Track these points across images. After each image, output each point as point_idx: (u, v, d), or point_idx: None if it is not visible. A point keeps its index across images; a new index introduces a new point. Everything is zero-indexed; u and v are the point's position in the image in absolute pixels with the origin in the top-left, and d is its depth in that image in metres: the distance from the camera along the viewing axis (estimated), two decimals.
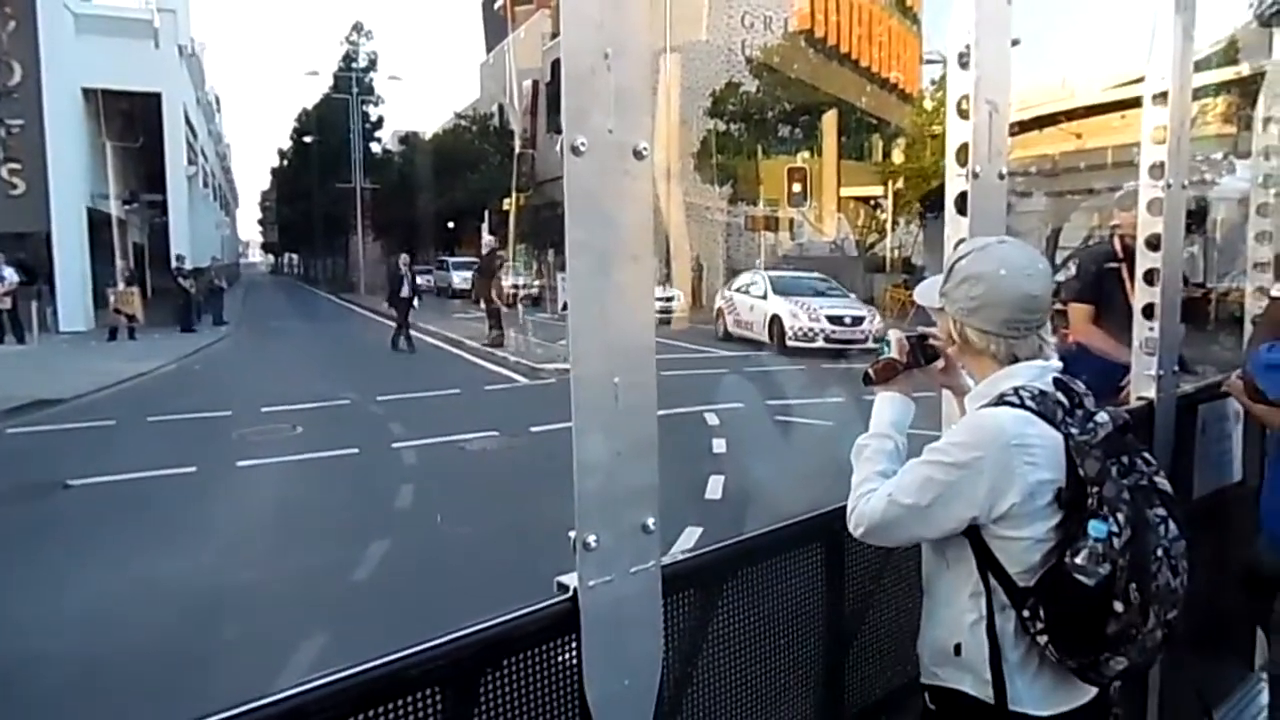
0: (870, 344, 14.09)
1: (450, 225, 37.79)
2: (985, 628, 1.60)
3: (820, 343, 15.81)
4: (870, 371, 1.73)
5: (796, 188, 21.00)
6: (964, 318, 1.62)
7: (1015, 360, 1.61)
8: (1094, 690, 1.62)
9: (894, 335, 1.76)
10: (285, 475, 7.77)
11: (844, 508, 1.65)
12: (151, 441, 9.25)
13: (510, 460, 8.39)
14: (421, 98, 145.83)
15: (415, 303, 17.99)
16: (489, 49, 50.02)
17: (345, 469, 7.98)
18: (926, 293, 1.77)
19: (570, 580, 1.30)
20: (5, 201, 20.29)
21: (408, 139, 49.09)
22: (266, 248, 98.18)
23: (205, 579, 5.14)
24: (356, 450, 8.49)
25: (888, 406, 1.72)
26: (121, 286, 20.15)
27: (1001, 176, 2.00)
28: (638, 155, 1.30)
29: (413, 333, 17.74)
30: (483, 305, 17.43)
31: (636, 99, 1.30)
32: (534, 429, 9.07)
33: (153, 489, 7.22)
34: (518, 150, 23.25)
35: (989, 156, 1.96)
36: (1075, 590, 1.48)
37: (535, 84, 37.45)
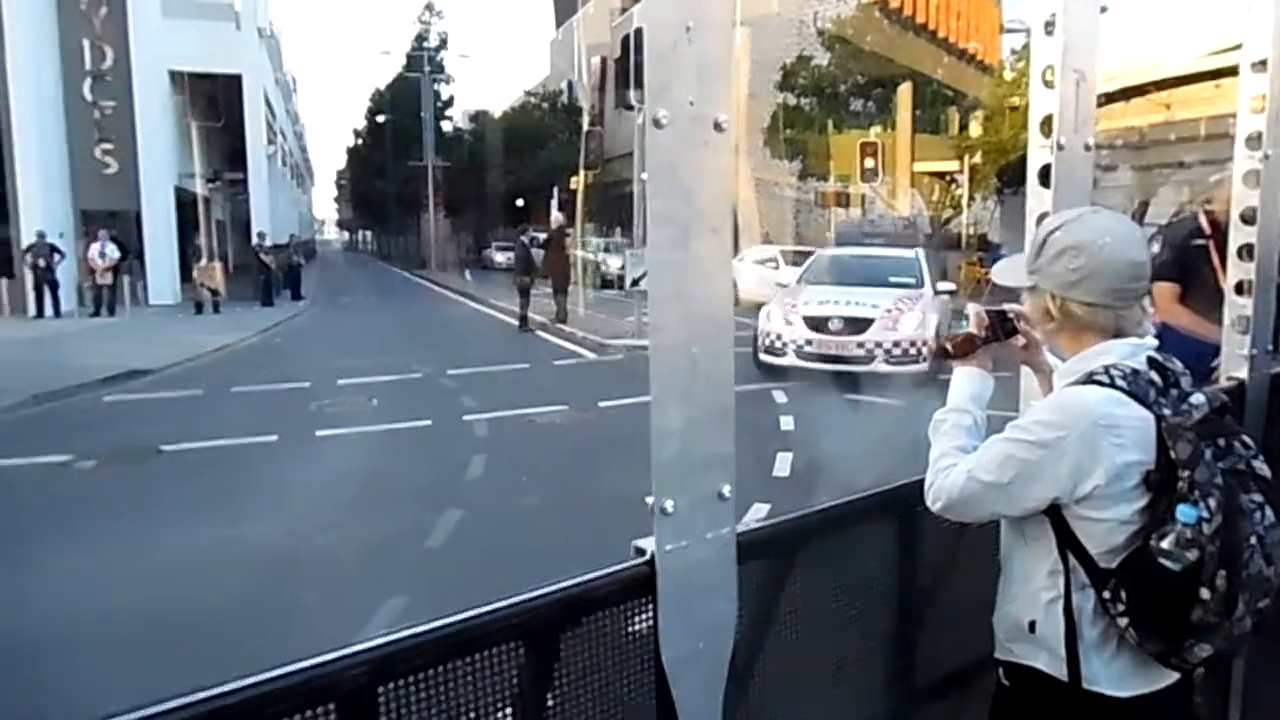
0: (878, 365, 10.12)
1: (519, 203, 38.13)
2: (1063, 606, 1.58)
3: (790, 358, 10.51)
4: (948, 346, 1.72)
5: (869, 162, 20.57)
6: (1065, 291, 1.58)
7: (1122, 331, 1.57)
8: (1175, 675, 1.60)
9: (973, 309, 1.74)
10: (362, 445, 8.03)
11: (919, 481, 1.65)
12: (236, 411, 9.64)
13: (579, 434, 8.50)
14: (491, 76, 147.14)
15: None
16: (558, 25, 50.06)
17: (419, 440, 8.19)
18: (1009, 271, 1.74)
19: (648, 544, 1.34)
20: (99, 181, 21.19)
21: (478, 117, 49.64)
22: (341, 225, 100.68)
23: (286, 542, 5.36)
24: (429, 422, 8.70)
25: (966, 381, 1.70)
26: (205, 262, 20.93)
27: (1088, 148, 1.95)
28: (718, 128, 1.32)
29: (480, 308, 17.98)
30: (551, 282, 17.58)
31: (717, 71, 1.31)
32: (603, 404, 9.17)
33: (237, 456, 7.53)
34: (585, 128, 23.26)
35: (1075, 127, 1.91)
36: (1159, 575, 1.46)
37: (603, 60, 37.33)
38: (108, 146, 21.24)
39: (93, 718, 0.95)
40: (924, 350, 9.96)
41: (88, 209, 20.93)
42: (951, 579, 1.89)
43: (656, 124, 1.25)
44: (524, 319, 16.85)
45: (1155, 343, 1.62)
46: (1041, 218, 1.95)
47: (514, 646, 1.24)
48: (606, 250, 25.87)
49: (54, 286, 18.67)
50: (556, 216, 19.40)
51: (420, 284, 33.73)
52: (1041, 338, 1.74)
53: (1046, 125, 1.93)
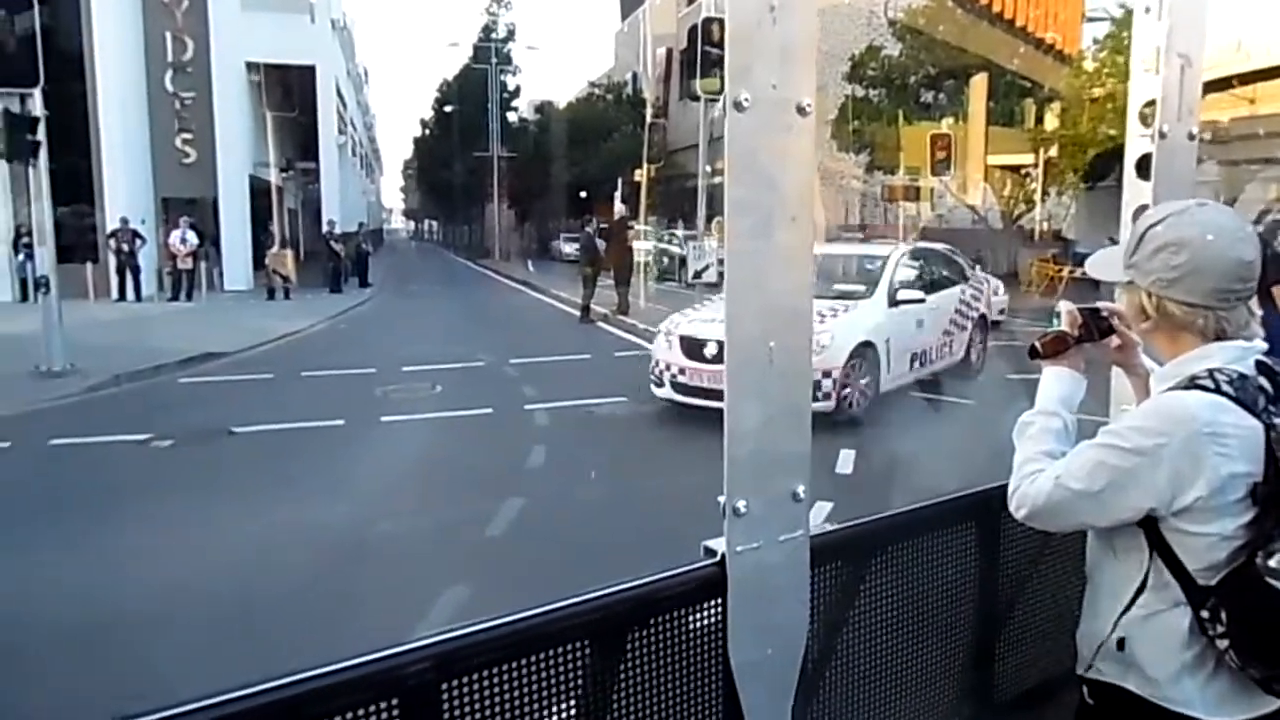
0: None
1: (583, 194, 38.29)
2: (1156, 625, 1.49)
3: (666, 390, 8.40)
4: (1037, 345, 1.63)
5: (940, 155, 20.07)
6: (1162, 290, 1.47)
7: (1223, 334, 1.47)
8: (1277, 702, 1.49)
9: (1065, 307, 1.65)
10: (425, 431, 8.13)
11: (1001, 486, 1.57)
12: (304, 395, 9.86)
13: (638, 426, 8.47)
14: (557, 67, 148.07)
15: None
16: (624, 17, 50.05)
17: (480, 428, 8.27)
18: (1104, 264, 1.64)
19: (718, 545, 1.30)
20: (178, 169, 21.90)
21: (543, 108, 49.93)
22: (408, 214, 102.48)
23: (351, 526, 5.44)
24: (491, 410, 8.77)
25: (1056, 382, 1.61)
26: (277, 249, 21.48)
27: (1191, 137, 1.84)
28: (801, 111, 1.26)
29: (542, 298, 18.07)
30: (613, 273, 17.59)
31: (802, 53, 1.26)
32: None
33: (305, 439, 7.69)
34: (649, 120, 23.20)
35: (1179, 115, 1.80)
36: (1265, 595, 1.36)
37: (669, 52, 37.20)
38: (187, 136, 21.92)
39: (167, 703, 0.95)
40: (826, 383, 7.54)
41: (168, 196, 21.66)
42: (1034, 589, 1.80)
43: (737, 107, 1.20)
44: (586, 309, 16.89)
45: (1264, 346, 1.50)
46: (1139, 211, 1.85)
47: (581, 645, 1.21)
48: (669, 242, 25.82)
49: (135, 271, 19.37)
50: (619, 208, 19.42)
51: (484, 273, 34.11)
52: (1137, 338, 1.63)
53: (1147, 113, 1.83)
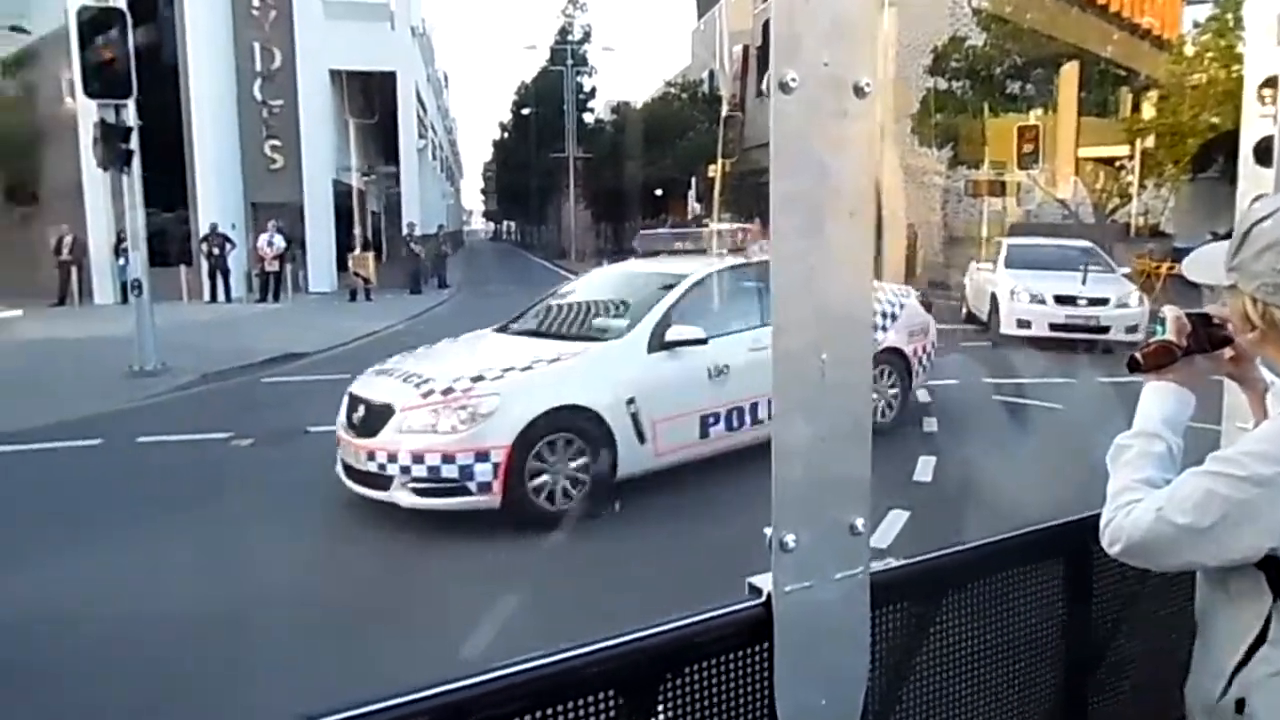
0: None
1: (658, 193, 38.23)
2: (1275, 681, 1.29)
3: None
4: (1138, 356, 1.42)
5: (1028, 148, 19.27)
6: (1268, 296, 1.28)
7: None
8: None
9: (1171, 313, 1.44)
10: None
11: (1094, 517, 1.37)
12: None
13: None
14: (633, 67, 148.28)
15: None
16: (700, 15, 49.76)
17: None
18: (1203, 265, 1.43)
19: (764, 582, 1.15)
20: (266, 175, 22.65)
21: (619, 108, 50.03)
22: (487, 215, 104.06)
23: (412, 528, 5.43)
24: None
25: (1159, 400, 1.40)
26: (359, 251, 22.01)
27: None
28: (859, 92, 1.10)
29: None
30: None
31: (859, 25, 1.10)
32: None
33: None
34: (724, 114, 22.93)
35: None
36: None
37: (745, 48, 36.88)
38: (275, 143, 22.65)
39: None
40: (482, 470, 5.38)
41: (257, 201, 22.41)
42: (1132, 636, 1.59)
43: (783, 88, 1.05)
44: None
45: None
46: (1257, 201, 1.63)
47: (608, 696, 1.08)
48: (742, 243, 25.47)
49: (225, 274, 20.10)
50: (694, 206, 19.27)
51: (560, 273, 34.30)
52: (1250, 344, 1.42)
53: (1267, 92, 1.60)
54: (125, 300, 16.82)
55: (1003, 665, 1.45)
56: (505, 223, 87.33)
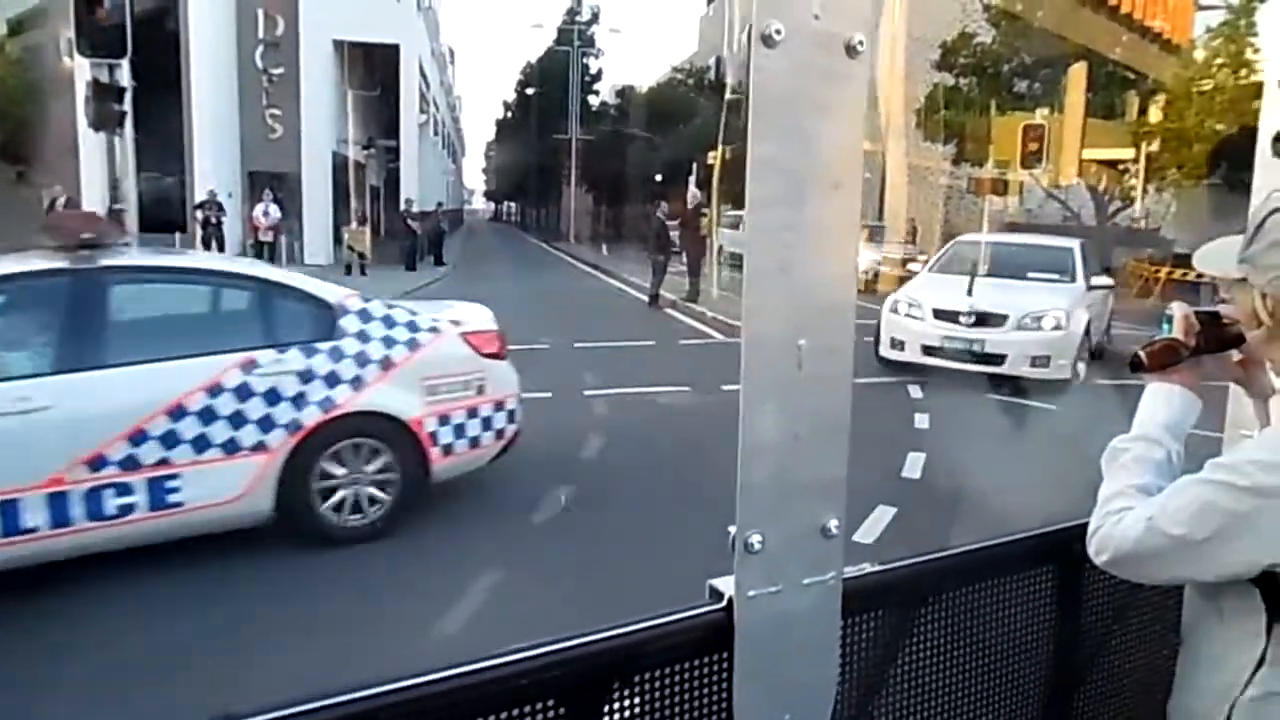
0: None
1: (658, 178, 38.03)
2: (1276, 711, 1.20)
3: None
4: (1141, 354, 1.33)
5: (1033, 147, 19.12)
6: (1277, 290, 1.20)
7: None
8: None
9: (1179, 310, 1.35)
10: None
11: (1084, 524, 1.28)
12: None
13: (699, 417, 8.22)
14: (641, 51, 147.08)
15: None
16: (709, 1, 49.41)
17: (537, 412, 8.09)
18: (1215, 257, 1.34)
19: (725, 586, 1.05)
20: (265, 144, 22.44)
21: (624, 92, 49.74)
22: (488, 195, 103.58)
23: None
24: (550, 395, 8.62)
25: (1162, 402, 1.31)
26: (355, 225, 21.83)
27: None
28: (850, 51, 1.00)
29: (613, 283, 17.92)
30: (684, 259, 17.31)
31: None
32: (725, 387, 8.82)
33: None
34: (728, 97, 22.68)
35: None
36: None
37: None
38: (275, 111, 22.42)
39: None
40: None
41: (254, 170, 22.19)
42: (1117, 651, 1.50)
43: (766, 41, 0.95)
44: (655, 296, 16.66)
45: None
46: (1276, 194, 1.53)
47: (549, 707, 0.98)
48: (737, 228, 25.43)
49: (220, 243, 19.89)
50: (694, 193, 19.09)
51: (558, 256, 34.18)
52: (1257, 344, 1.32)
53: None
54: None
55: (982, 680, 1.36)
56: (506, 203, 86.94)
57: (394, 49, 24.91)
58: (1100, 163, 22.20)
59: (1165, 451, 1.27)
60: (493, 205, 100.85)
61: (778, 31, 0.94)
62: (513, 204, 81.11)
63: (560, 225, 44.97)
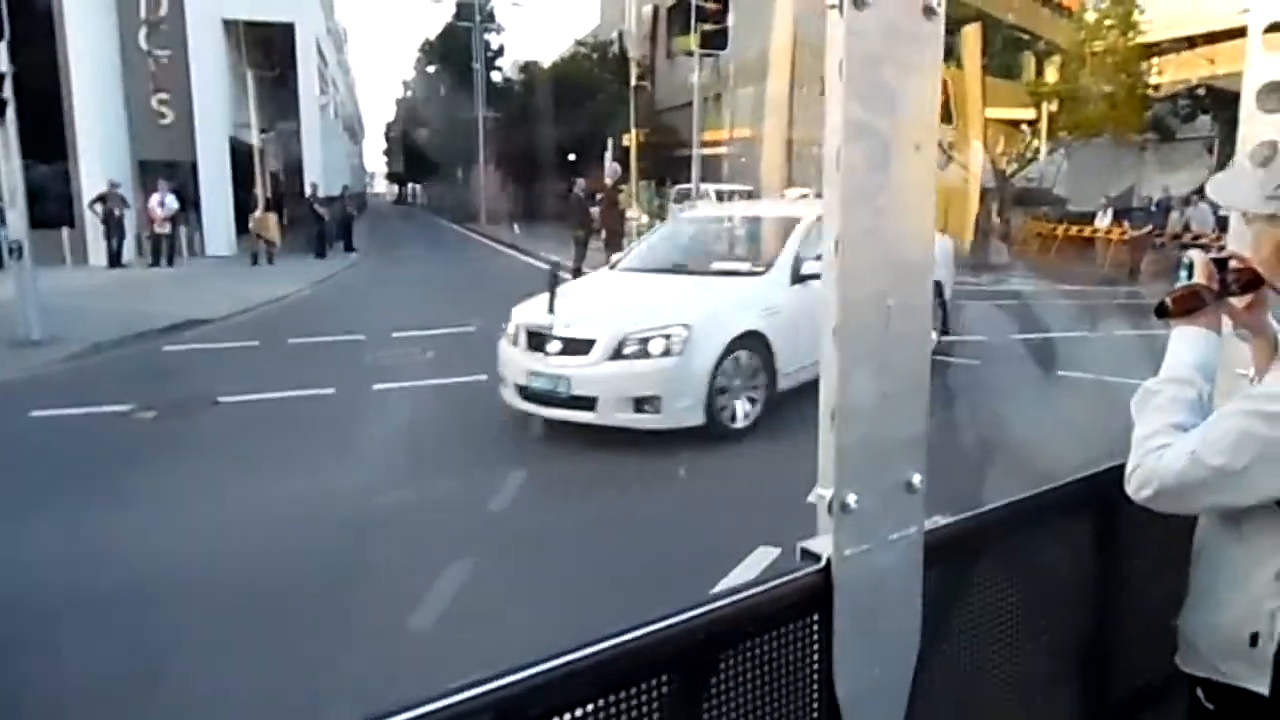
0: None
1: (571, 156, 37.71)
2: None
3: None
4: (1167, 301, 1.39)
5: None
6: None
7: None
8: None
9: (1198, 257, 1.41)
10: (419, 399, 7.88)
11: (1114, 469, 1.34)
12: (292, 362, 9.56)
13: None
14: (542, 25, 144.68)
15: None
16: None
17: (476, 395, 8.00)
18: (1235, 189, 1.40)
19: (822, 547, 1.07)
20: (155, 131, 21.26)
21: (527, 68, 48.94)
22: (391, 177, 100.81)
23: (349, 499, 5.21)
24: (485, 377, 8.49)
25: (1190, 345, 1.37)
26: (260, 213, 20.97)
27: None
28: (929, 12, 1.01)
29: (532, 261, 17.74)
30: (604, 236, 17.25)
31: None
32: None
33: (295, 408, 7.43)
34: (634, 82, 22.73)
35: None
36: None
37: (655, 9, 36.42)
38: (164, 96, 21.24)
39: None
40: None
41: (145, 159, 21.03)
42: (1142, 581, 1.59)
43: (856, 3, 0.95)
44: (577, 272, 16.57)
45: None
46: (1266, 147, 1.61)
47: (662, 683, 0.97)
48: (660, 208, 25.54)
49: (121, 237, 18.86)
50: (612, 167, 19.02)
51: (471, 237, 33.62)
52: (1270, 277, 1.38)
53: (1275, 35, 1.58)
54: (0, 265, 15.68)
55: (1034, 619, 1.43)
56: (410, 185, 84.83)
57: (289, 28, 23.88)
58: (1001, 122, 23.00)
59: (1196, 391, 1.34)
60: (396, 188, 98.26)
61: None
62: (417, 186, 79.20)
63: (471, 205, 44.12)
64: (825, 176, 1.01)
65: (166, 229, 19.26)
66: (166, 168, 20.55)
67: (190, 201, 20.94)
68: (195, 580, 4.08)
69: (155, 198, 19.17)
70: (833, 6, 0.97)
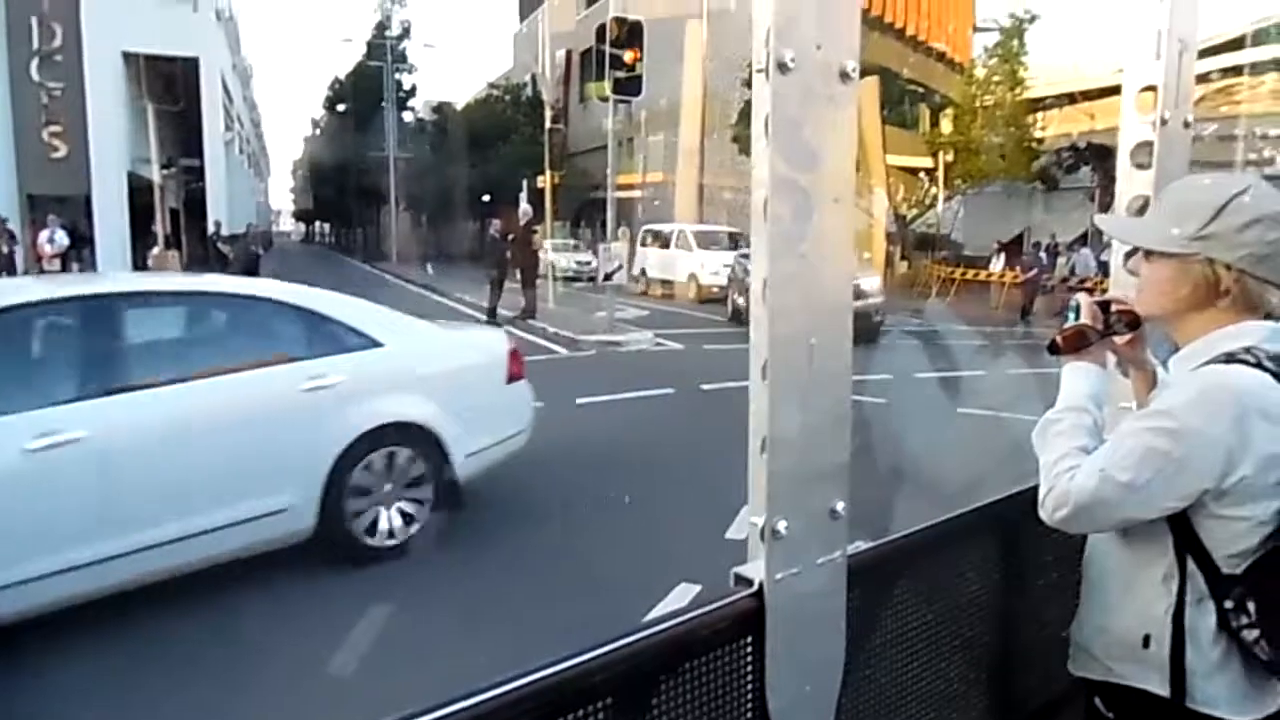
0: None
1: (485, 197, 37.69)
2: (1180, 620, 1.39)
3: None
4: (1058, 340, 1.52)
5: None
6: (1252, 266, 1.36)
7: (1272, 313, 1.38)
8: None
9: (1084, 299, 1.55)
10: None
11: (1019, 495, 1.46)
12: None
13: (561, 434, 8.22)
14: (455, 66, 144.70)
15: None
16: (523, 17, 49.59)
17: None
18: (1143, 231, 1.52)
19: (754, 572, 1.13)
20: (47, 165, 20.42)
21: (440, 108, 48.86)
22: (298, 215, 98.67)
23: None
24: None
25: (1083, 378, 1.50)
26: (159, 250, 20.28)
27: (1187, 124, 1.78)
28: (844, 77, 1.11)
29: (446, 301, 17.59)
30: (520, 275, 17.26)
31: (843, 8, 1.10)
32: (580, 401, 8.91)
33: None
34: (548, 125, 23.03)
35: (1177, 101, 1.74)
36: None
37: (569, 53, 36.98)
38: (56, 129, 20.47)
39: None
40: None
41: (34, 193, 20.13)
42: (1041, 596, 1.71)
43: (782, 68, 1.04)
44: (493, 310, 16.52)
45: None
46: (1137, 201, 1.79)
47: (603, 707, 1.01)
48: (575, 249, 25.89)
49: (11, 273, 17.92)
50: (525, 209, 19.10)
51: (383, 277, 33.07)
52: (1161, 314, 1.49)
53: (1147, 98, 1.76)
54: None
55: (945, 637, 1.52)
56: (318, 223, 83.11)
57: (193, 62, 23.35)
58: (901, 169, 24.12)
59: (1093, 418, 1.46)
60: (303, 226, 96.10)
61: (791, 60, 1.04)
62: (325, 224, 77.63)
63: (382, 245, 43.54)
64: (753, 225, 1.09)
65: (55, 266, 18.37)
66: (57, 202, 19.72)
67: (84, 238, 20.08)
68: None
69: (45, 233, 18.32)
70: (759, 71, 1.06)
